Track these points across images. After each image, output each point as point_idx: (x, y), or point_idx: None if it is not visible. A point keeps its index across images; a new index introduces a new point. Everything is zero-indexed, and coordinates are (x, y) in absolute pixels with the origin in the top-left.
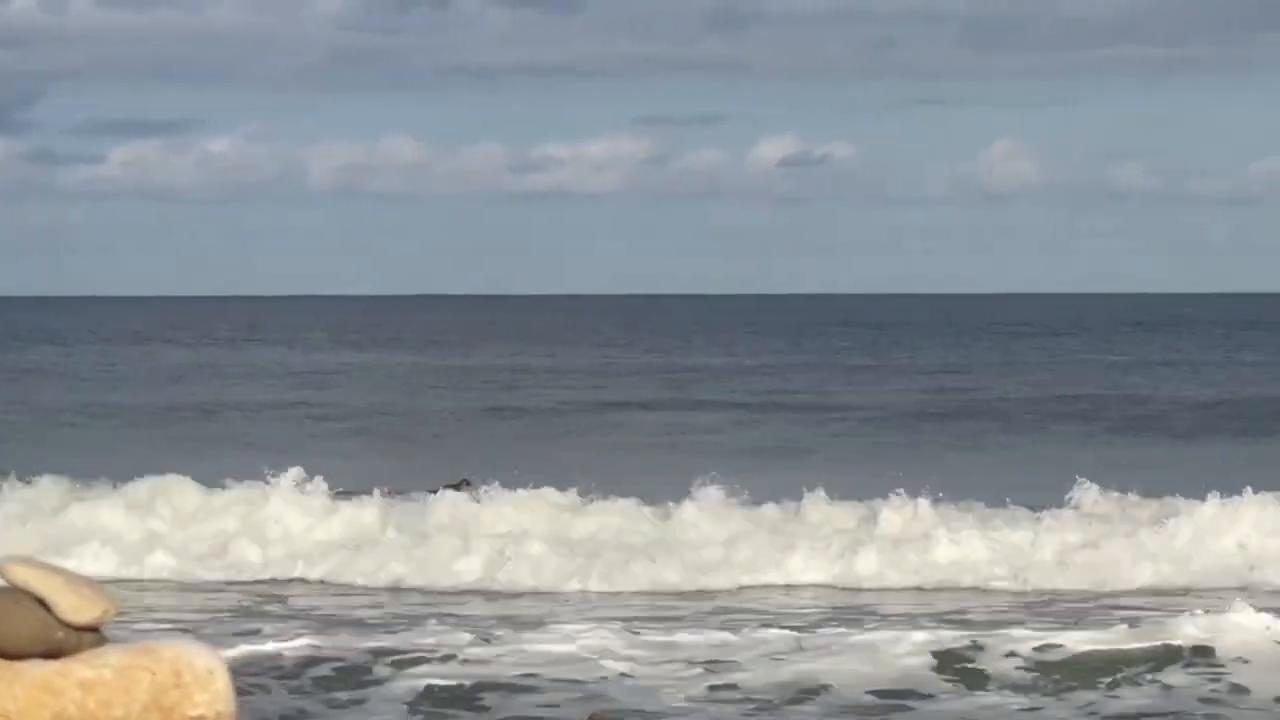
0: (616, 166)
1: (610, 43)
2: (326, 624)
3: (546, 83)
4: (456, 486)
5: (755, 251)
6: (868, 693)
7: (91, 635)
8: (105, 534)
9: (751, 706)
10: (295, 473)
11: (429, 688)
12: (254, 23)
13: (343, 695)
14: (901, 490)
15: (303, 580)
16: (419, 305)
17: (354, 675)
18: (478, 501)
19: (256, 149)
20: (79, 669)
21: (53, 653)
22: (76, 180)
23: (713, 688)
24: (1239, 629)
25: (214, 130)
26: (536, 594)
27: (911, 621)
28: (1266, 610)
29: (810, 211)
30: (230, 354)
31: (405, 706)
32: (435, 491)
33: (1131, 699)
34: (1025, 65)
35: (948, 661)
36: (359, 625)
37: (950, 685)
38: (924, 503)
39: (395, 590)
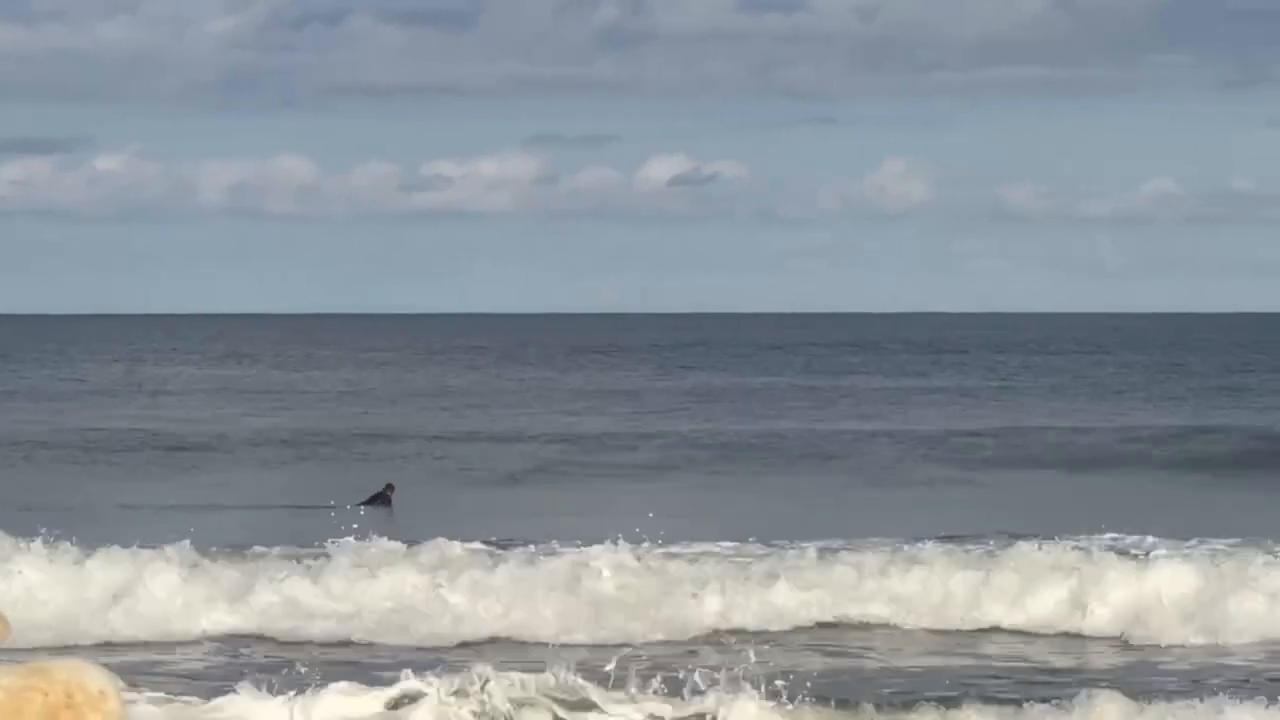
0: (507, 185)
1: (501, 62)
2: None
3: (437, 101)
4: (380, 495)
5: (646, 270)
6: None
7: None
8: None
9: None
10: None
11: None
12: (145, 40)
13: None
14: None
15: None
16: (310, 324)
17: None
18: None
19: (147, 167)
20: None
21: None
22: None
23: None
24: None
25: (104, 148)
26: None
27: None
28: None
29: (700, 230)
30: (103, 373)
31: None
32: (363, 504)
33: None
34: (915, 85)
35: None
36: None
37: None
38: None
39: None
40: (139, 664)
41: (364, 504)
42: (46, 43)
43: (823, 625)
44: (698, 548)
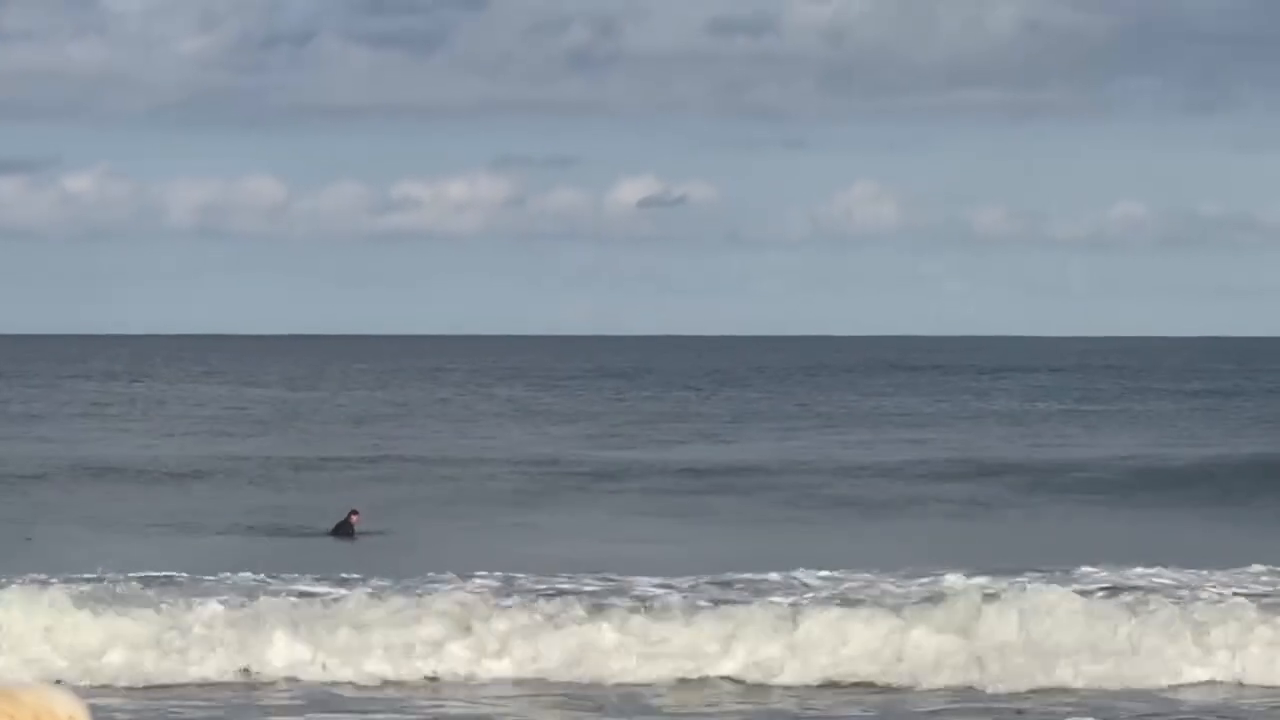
0: (475, 206)
1: (469, 83)
2: None
3: (406, 122)
4: (345, 522)
5: (614, 292)
6: None
7: None
8: None
9: None
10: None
11: None
12: (114, 60)
13: None
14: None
15: None
16: (278, 345)
17: None
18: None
19: (115, 187)
20: None
21: None
22: None
23: None
24: None
25: (72, 168)
26: None
27: None
28: None
29: (669, 252)
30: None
31: None
32: (332, 530)
33: None
34: (885, 108)
35: None
36: None
37: None
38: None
39: None
40: None
41: (332, 532)
42: (15, 62)
43: None
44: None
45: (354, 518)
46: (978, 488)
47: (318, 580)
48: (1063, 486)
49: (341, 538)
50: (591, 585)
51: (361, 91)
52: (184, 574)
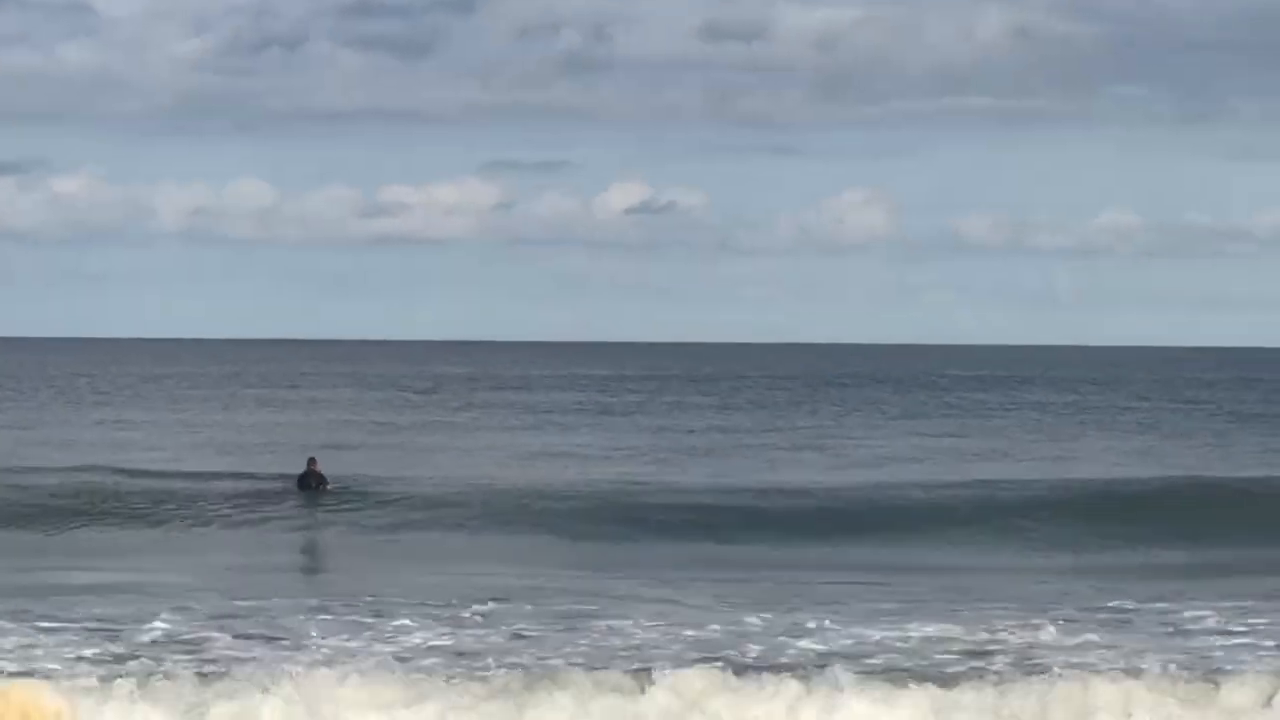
0: (464, 211)
1: (459, 87)
2: None
3: (395, 127)
4: (309, 473)
5: (603, 298)
6: None
7: None
8: None
9: None
10: None
11: None
12: (104, 63)
13: None
14: None
15: None
16: (267, 349)
17: None
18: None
19: (105, 189)
20: None
21: None
22: None
23: None
24: None
25: (61, 170)
26: None
27: None
28: None
29: (658, 258)
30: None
31: None
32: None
33: None
34: (875, 115)
35: None
36: None
37: None
38: None
39: None
40: None
41: (299, 485)
42: (6, 63)
43: None
44: None
45: (313, 465)
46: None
47: None
48: None
49: (309, 489)
50: None
51: (352, 95)
52: None
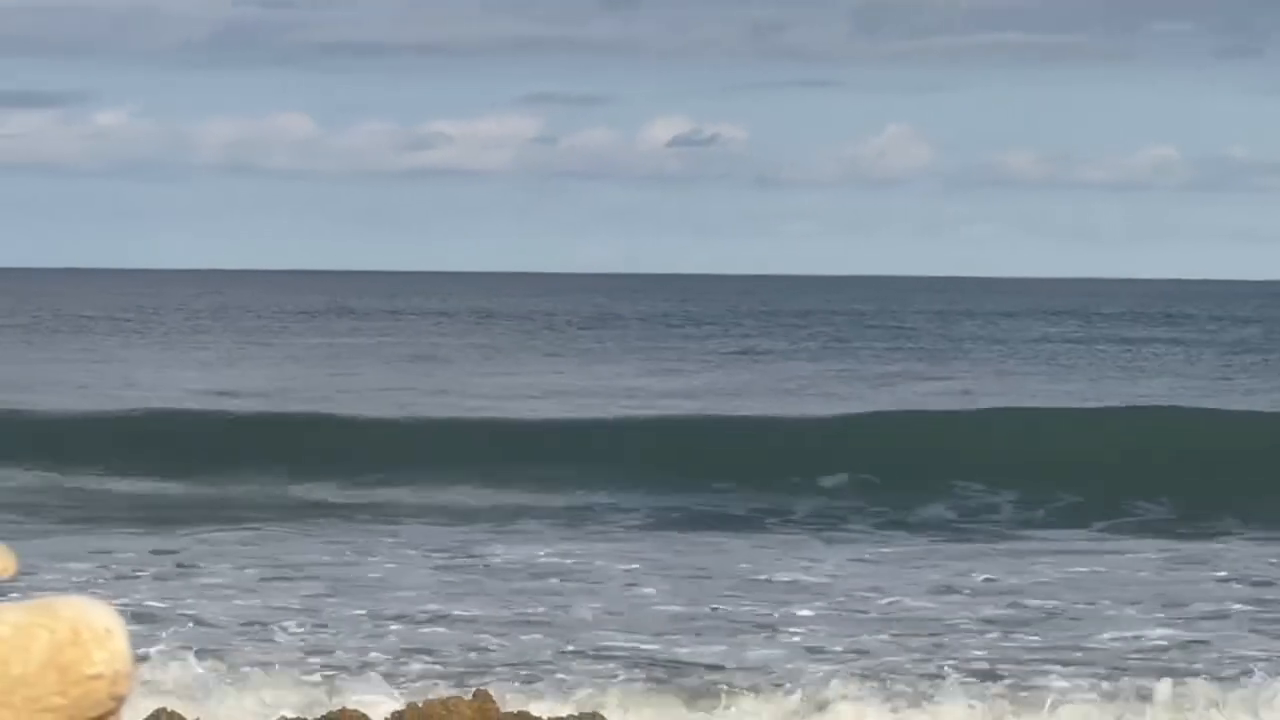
0: (505, 145)
1: (500, 21)
2: None
3: (436, 60)
4: None
5: (644, 231)
6: None
7: None
8: None
9: None
10: None
11: None
12: None
13: None
14: None
15: None
16: (307, 281)
17: None
18: None
19: (146, 123)
20: None
21: None
22: None
23: None
24: None
25: (103, 104)
26: None
27: None
28: None
29: (699, 192)
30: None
31: None
32: None
33: None
34: (916, 49)
35: None
36: None
37: None
38: None
39: None
40: None
41: None
42: None
43: None
44: None
45: None
46: None
47: None
48: None
49: None
50: None
51: (392, 29)
52: None
